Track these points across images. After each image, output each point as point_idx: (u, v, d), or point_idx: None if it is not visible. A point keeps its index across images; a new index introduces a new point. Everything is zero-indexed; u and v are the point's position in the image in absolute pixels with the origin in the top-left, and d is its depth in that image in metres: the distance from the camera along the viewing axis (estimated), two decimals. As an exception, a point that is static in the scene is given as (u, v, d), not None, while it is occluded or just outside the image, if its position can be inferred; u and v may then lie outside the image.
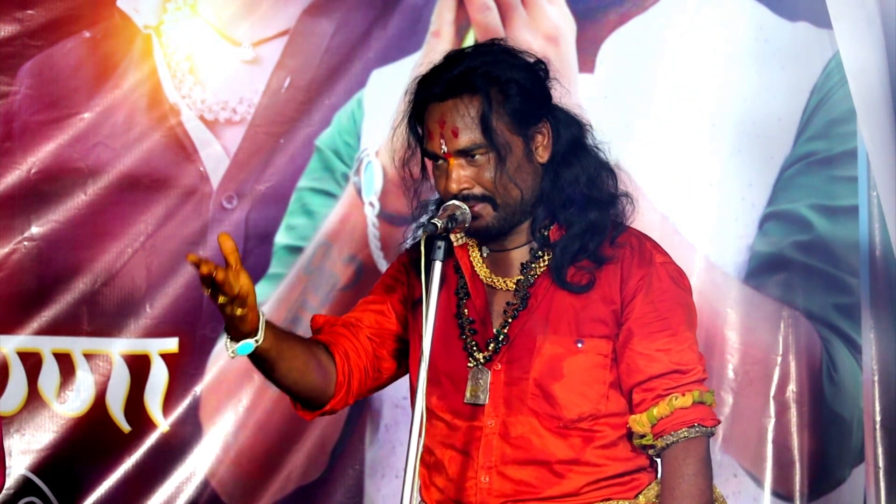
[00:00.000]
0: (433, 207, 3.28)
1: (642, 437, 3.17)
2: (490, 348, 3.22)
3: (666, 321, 3.17)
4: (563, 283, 3.18)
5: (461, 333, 3.25)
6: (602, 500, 3.18)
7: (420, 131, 3.21)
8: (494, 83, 3.16)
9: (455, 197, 3.14)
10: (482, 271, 3.27)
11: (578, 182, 3.20)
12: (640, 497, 3.20)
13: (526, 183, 3.18)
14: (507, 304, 3.23)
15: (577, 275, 3.19)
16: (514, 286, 3.23)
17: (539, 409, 3.17)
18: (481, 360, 3.22)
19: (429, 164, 3.25)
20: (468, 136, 3.14)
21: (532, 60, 3.24)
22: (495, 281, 3.25)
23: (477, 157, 3.14)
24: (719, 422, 3.21)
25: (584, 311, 3.17)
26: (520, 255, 3.25)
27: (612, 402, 3.19)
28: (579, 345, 3.17)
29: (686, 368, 3.16)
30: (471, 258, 3.28)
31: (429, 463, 3.28)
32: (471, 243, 3.29)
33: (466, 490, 3.20)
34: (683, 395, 3.14)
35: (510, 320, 3.21)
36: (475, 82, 3.15)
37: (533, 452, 3.17)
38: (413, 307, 3.33)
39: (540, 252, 3.22)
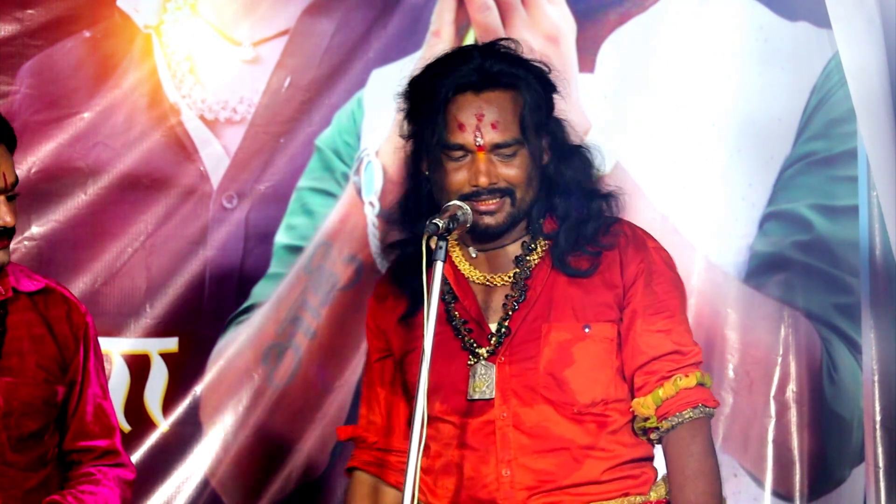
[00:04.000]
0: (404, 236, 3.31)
1: (646, 419, 3.20)
2: (492, 343, 3.23)
3: (664, 303, 3.24)
4: (565, 269, 3.22)
5: (457, 334, 3.27)
6: (621, 495, 3.20)
7: (439, 122, 3.19)
8: (523, 82, 3.21)
9: (482, 191, 3.16)
10: (472, 273, 3.28)
11: (578, 176, 3.27)
12: (652, 493, 3.23)
13: (538, 181, 3.24)
14: (507, 297, 3.25)
15: (577, 261, 3.24)
16: (512, 280, 3.25)
17: (553, 396, 3.19)
18: (484, 356, 3.23)
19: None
20: (508, 131, 3.17)
21: (539, 64, 3.28)
22: (491, 279, 3.27)
23: (510, 152, 3.18)
24: (718, 403, 3.25)
25: (588, 297, 3.22)
26: (513, 249, 3.28)
27: (618, 388, 3.23)
28: (587, 329, 3.21)
29: (685, 350, 3.23)
30: (454, 261, 3.29)
31: (434, 469, 3.28)
32: (451, 247, 3.30)
33: (487, 486, 3.20)
34: (687, 375, 3.20)
35: (510, 313, 3.23)
36: (512, 79, 3.19)
37: (551, 441, 3.19)
38: (402, 358, 3.35)
39: (533, 245, 3.25)
